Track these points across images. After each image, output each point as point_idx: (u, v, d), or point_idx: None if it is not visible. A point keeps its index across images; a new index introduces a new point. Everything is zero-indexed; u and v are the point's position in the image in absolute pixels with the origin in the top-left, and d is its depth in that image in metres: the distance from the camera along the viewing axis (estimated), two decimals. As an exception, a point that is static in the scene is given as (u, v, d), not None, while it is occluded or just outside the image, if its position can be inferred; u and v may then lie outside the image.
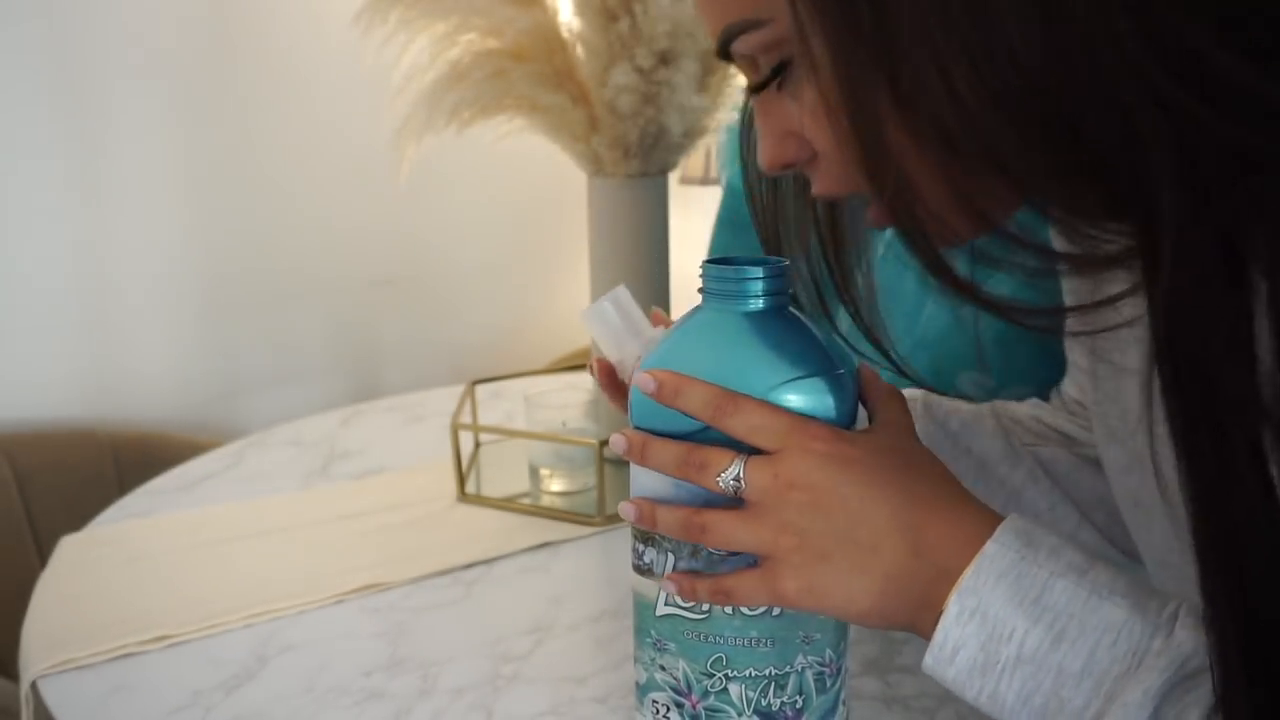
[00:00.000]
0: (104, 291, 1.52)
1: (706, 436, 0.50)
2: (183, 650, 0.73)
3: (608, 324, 0.59)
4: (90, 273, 1.51)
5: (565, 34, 0.94)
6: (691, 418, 0.49)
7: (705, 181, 1.98)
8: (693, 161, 1.97)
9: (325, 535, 0.90)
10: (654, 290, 0.99)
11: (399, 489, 0.99)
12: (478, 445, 1.08)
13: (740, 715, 0.54)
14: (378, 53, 0.94)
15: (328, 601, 0.78)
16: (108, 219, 1.51)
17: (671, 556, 0.52)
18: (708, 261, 0.52)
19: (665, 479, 0.51)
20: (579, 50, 0.93)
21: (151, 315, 1.57)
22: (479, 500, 0.95)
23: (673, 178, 1.01)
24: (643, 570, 0.54)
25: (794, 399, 0.49)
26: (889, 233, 0.82)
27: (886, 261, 0.83)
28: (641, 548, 0.53)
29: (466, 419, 1.03)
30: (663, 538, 0.52)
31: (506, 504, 0.95)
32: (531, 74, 0.92)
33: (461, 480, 0.97)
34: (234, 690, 0.67)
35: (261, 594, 0.79)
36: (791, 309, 0.52)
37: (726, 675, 0.53)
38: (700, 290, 0.52)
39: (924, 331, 0.78)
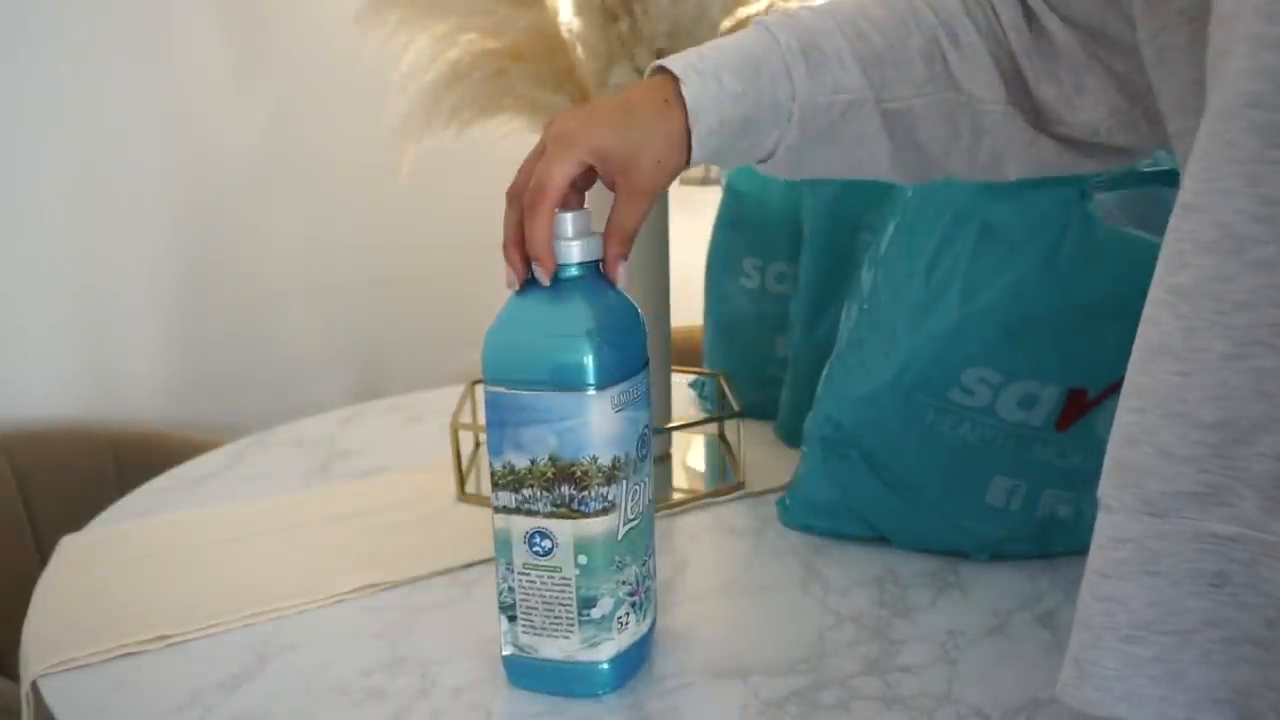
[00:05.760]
0: (103, 291, 1.52)
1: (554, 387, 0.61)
2: (183, 650, 0.73)
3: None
4: (90, 271, 1.51)
5: (565, 34, 0.94)
6: (537, 371, 0.61)
7: (705, 181, 1.98)
8: (693, 161, 1.96)
9: (325, 535, 0.90)
10: (654, 290, 0.99)
11: (399, 489, 0.99)
12: (478, 445, 1.08)
13: (650, 579, 0.68)
14: (378, 53, 0.93)
15: (328, 601, 0.78)
16: (106, 218, 1.51)
17: (625, 483, 0.63)
18: None
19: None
20: (579, 50, 0.93)
21: (151, 315, 1.57)
22: (479, 500, 0.96)
23: (672, 177, 1.01)
24: (608, 509, 0.62)
25: (597, 341, 0.60)
26: (892, 228, 0.82)
27: (890, 258, 0.83)
28: (606, 489, 0.61)
29: (466, 419, 1.03)
30: (620, 470, 0.62)
31: (506, 504, 0.95)
32: (531, 74, 0.92)
33: (461, 480, 0.97)
34: (234, 690, 0.68)
35: (262, 594, 0.79)
36: (599, 271, 0.63)
37: (649, 554, 0.67)
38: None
39: (930, 329, 0.78)
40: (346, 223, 1.73)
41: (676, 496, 0.97)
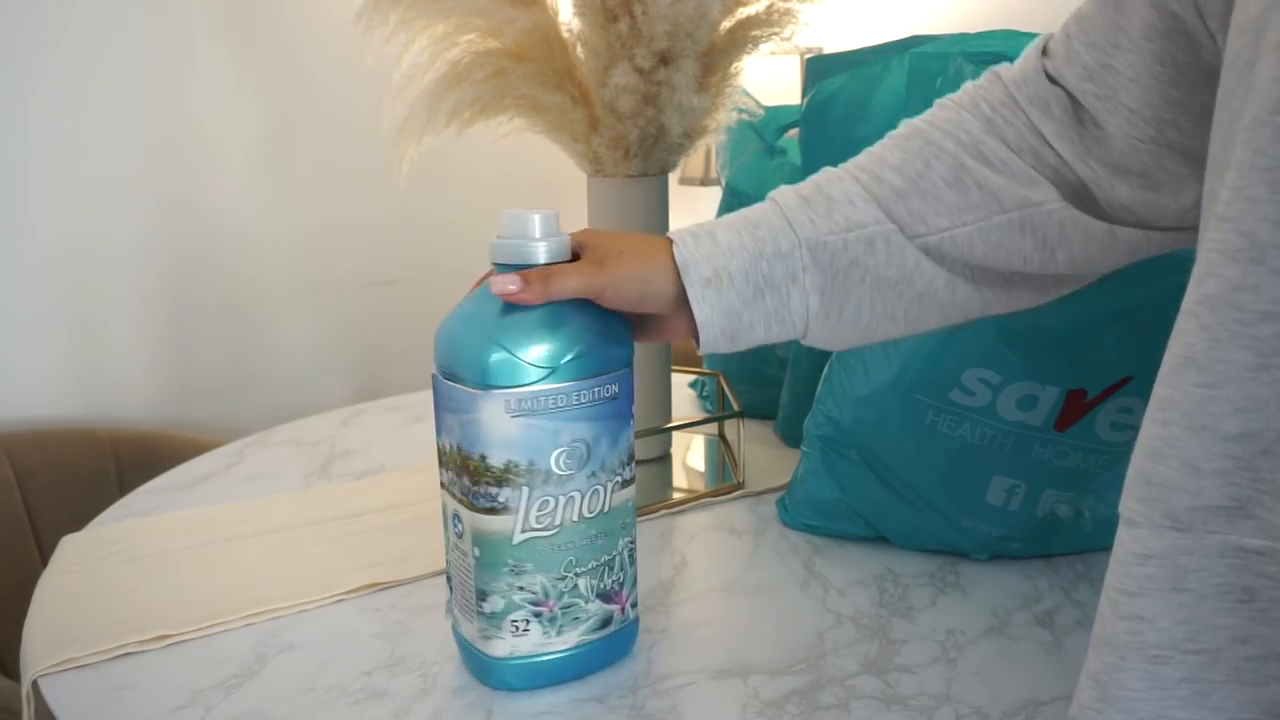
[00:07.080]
0: (103, 291, 1.52)
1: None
2: (183, 650, 0.73)
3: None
4: (90, 272, 1.51)
5: (565, 34, 0.94)
6: (452, 363, 0.62)
7: (705, 181, 1.98)
8: (693, 161, 1.97)
9: (325, 535, 0.90)
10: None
11: (399, 489, 0.99)
12: (478, 445, 1.08)
13: (588, 603, 0.65)
14: (378, 53, 0.94)
15: (328, 601, 0.79)
16: (106, 218, 1.51)
17: (527, 490, 0.62)
18: (498, 239, 0.63)
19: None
20: (579, 50, 0.93)
21: (152, 316, 1.57)
22: (479, 500, 0.95)
23: (673, 178, 1.01)
24: (496, 510, 0.62)
25: (501, 343, 0.60)
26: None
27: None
28: (495, 490, 0.61)
29: (466, 419, 1.03)
30: (517, 475, 0.61)
31: (506, 504, 0.95)
32: (531, 74, 0.92)
33: (461, 480, 0.97)
34: (234, 690, 0.68)
35: (261, 594, 0.79)
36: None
37: (576, 573, 0.65)
38: (494, 263, 0.63)
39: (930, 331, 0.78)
40: (346, 224, 1.73)
41: (676, 496, 0.97)
